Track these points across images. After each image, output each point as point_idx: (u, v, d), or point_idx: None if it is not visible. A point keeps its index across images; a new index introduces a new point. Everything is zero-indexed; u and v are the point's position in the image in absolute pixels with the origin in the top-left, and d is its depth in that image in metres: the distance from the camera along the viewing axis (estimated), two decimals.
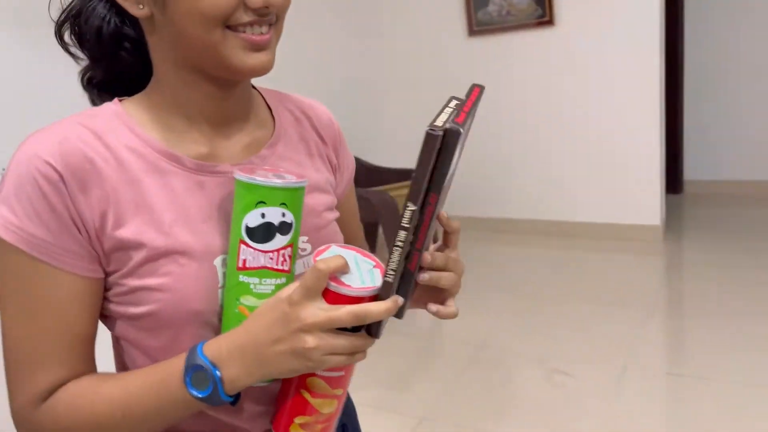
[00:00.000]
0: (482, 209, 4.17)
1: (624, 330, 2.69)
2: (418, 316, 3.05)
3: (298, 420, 0.69)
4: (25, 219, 0.63)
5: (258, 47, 0.67)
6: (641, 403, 2.18)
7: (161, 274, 0.66)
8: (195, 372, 0.62)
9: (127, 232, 0.66)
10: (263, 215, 0.64)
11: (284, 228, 0.65)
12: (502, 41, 3.79)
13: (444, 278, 0.69)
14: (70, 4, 0.73)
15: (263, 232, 0.64)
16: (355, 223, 0.94)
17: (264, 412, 0.75)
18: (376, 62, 4.20)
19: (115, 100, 0.72)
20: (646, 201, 3.65)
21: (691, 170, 4.73)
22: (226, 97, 0.72)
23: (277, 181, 0.64)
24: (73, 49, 0.73)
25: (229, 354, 0.63)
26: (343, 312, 0.60)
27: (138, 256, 0.66)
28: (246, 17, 0.65)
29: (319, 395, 0.68)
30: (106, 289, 0.69)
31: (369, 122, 4.19)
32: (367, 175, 3.75)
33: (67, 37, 0.73)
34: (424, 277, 0.68)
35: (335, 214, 0.82)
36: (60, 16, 0.72)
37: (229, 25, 0.65)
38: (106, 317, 0.72)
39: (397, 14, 4.09)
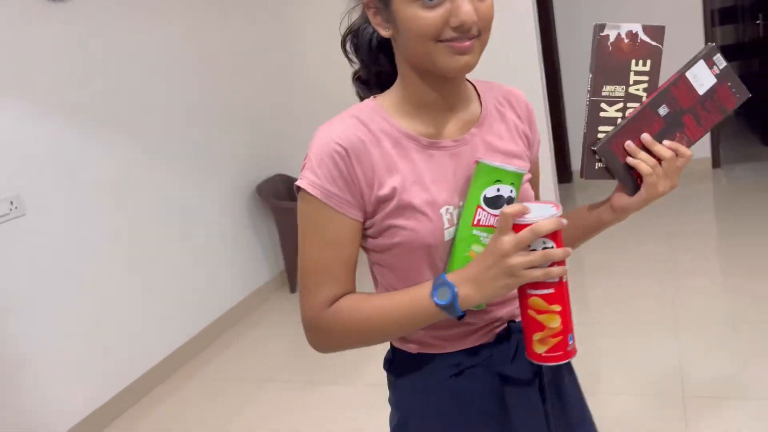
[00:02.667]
0: None
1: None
2: None
3: (535, 337, 0.85)
4: (324, 180, 0.88)
5: (460, 52, 0.84)
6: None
7: (406, 218, 0.90)
8: (440, 288, 0.84)
9: (385, 190, 0.90)
10: (499, 189, 0.85)
11: (509, 201, 0.86)
12: None
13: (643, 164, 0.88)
14: (351, 25, 0.99)
15: (495, 202, 0.85)
16: (536, 183, 1.11)
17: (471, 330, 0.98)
18: (301, 90, 4.50)
19: (372, 97, 0.96)
20: (543, 192, 3.91)
21: (577, 162, 5.16)
22: (444, 89, 0.92)
23: (510, 167, 0.85)
24: (350, 56, 1.01)
25: (462, 281, 0.84)
26: (525, 231, 0.78)
27: (391, 205, 0.90)
28: (450, 34, 0.83)
29: (542, 312, 0.83)
30: (367, 228, 0.93)
31: (299, 145, 4.25)
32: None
33: (348, 48, 1.00)
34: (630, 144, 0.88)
35: (528, 176, 1.00)
36: (345, 33, 0.99)
37: (439, 39, 0.83)
38: (368, 249, 0.98)
39: (320, 45, 4.32)
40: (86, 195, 2.77)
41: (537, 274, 0.80)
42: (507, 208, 0.79)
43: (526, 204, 0.81)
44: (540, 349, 0.85)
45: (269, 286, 4.00)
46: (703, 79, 0.87)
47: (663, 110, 0.88)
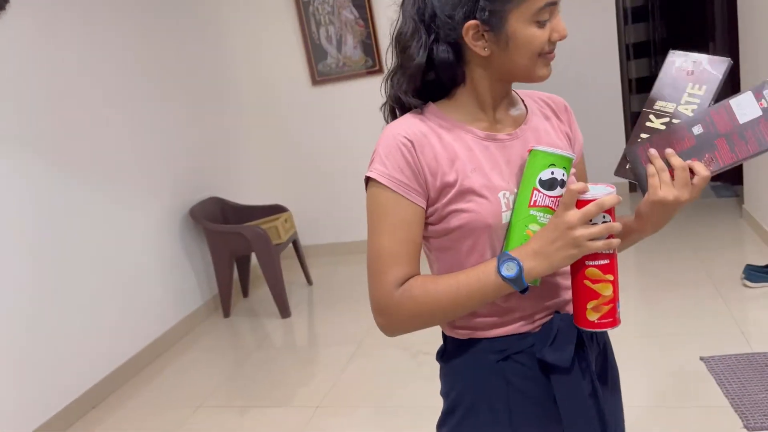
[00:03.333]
0: (336, 235, 4.77)
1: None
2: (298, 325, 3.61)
3: (589, 305, 0.93)
4: (392, 170, 0.98)
5: (550, 62, 1.00)
6: None
7: (467, 201, 0.99)
8: (506, 262, 0.92)
9: (448, 178, 0.99)
10: (553, 173, 0.93)
11: (562, 183, 0.94)
12: (340, 88, 4.43)
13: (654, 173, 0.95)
14: (392, 68, 1.06)
15: (550, 183, 0.93)
16: (584, 178, 1.20)
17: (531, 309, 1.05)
18: (232, 114, 4.61)
19: (430, 103, 1.06)
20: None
21: None
22: (505, 93, 1.07)
23: (563, 152, 0.94)
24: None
25: (526, 255, 0.92)
26: (590, 205, 0.88)
27: (454, 190, 0.99)
28: (549, 47, 0.98)
29: (597, 281, 0.92)
30: (429, 216, 1.02)
31: (232, 168, 4.57)
32: (238, 214, 4.16)
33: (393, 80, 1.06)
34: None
35: (572, 170, 1.06)
36: (387, 73, 1.07)
37: (540, 54, 0.97)
38: (427, 237, 1.05)
39: (251, 70, 4.60)
40: (11, 217, 2.71)
41: (599, 244, 0.89)
42: (572, 186, 0.89)
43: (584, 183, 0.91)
44: (593, 317, 0.94)
45: (202, 310, 3.98)
46: (747, 108, 0.93)
47: (697, 129, 0.95)
